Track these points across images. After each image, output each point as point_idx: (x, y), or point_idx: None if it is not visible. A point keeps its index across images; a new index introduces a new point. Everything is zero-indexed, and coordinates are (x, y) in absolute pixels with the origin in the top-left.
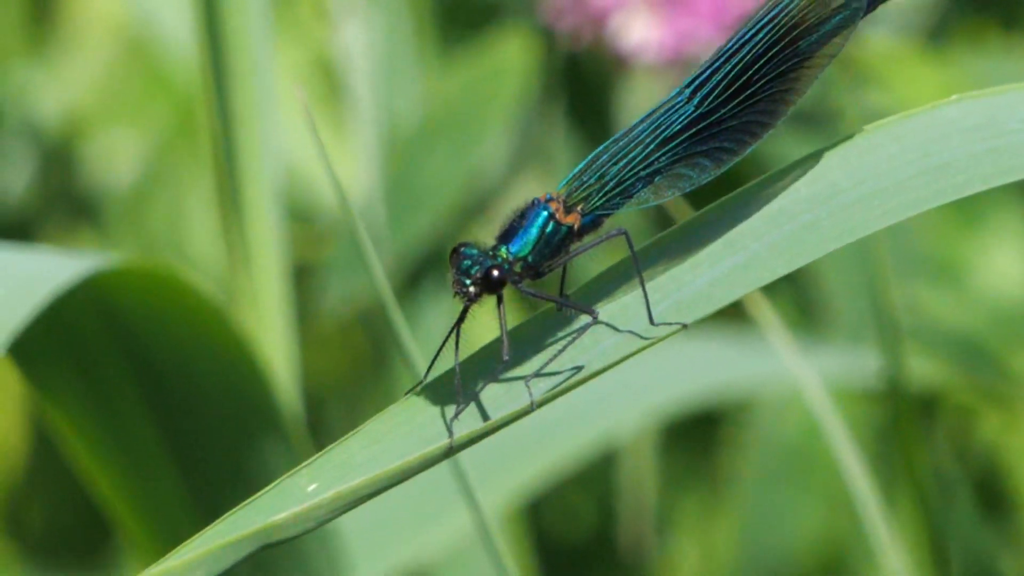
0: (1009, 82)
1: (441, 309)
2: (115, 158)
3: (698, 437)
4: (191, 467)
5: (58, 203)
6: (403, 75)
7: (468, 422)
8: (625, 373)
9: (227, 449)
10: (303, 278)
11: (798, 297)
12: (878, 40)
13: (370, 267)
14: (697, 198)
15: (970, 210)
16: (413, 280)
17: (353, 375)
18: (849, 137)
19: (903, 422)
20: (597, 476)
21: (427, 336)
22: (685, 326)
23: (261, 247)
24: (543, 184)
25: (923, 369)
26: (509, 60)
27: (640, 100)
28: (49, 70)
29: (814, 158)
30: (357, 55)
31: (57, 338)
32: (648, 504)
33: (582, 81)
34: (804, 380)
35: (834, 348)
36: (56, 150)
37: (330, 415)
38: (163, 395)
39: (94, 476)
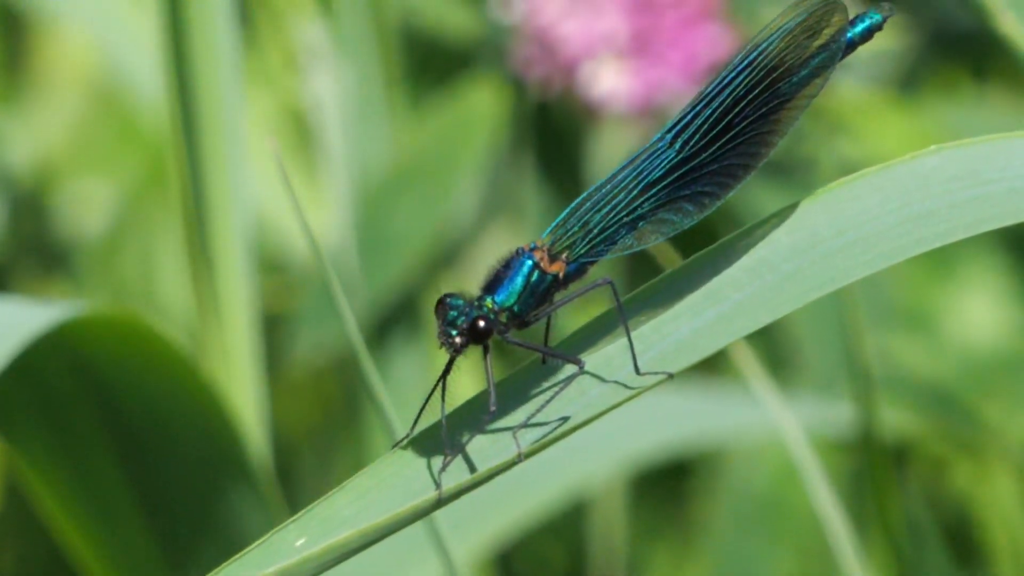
0: (980, 131)
1: (412, 357)
2: (86, 207)
3: (669, 485)
4: (160, 515)
5: (29, 252)
6: (374, 124)
7: (455, 474)
8: (597, 421)
9: (196, 497)
10: (275, 327)
11: (768, 344)
12: (849, 89)
13: (341, 315)
14: (683, 244)
15: (942, 259)
16: (384, 328)
17: (326, 423)
18: (829, 188)
19: (876, 471)
20: (568, 524)
21: (398, 384)
22: (671, 376)
23: (231, 296)
24: (514, 232)
25: (895, 418)
26: (480, 109)
27: (610, 149)
28: (20, 118)
29: (793, 208)
30: (327, 104)
31: (26, 386)
32: (620, 552)
33: (552, 130)
34: (784, 427)
35: (805, 396)
36: (27, 198)
37: (303, 463)
38: (132, 444)
39: (63, 525)
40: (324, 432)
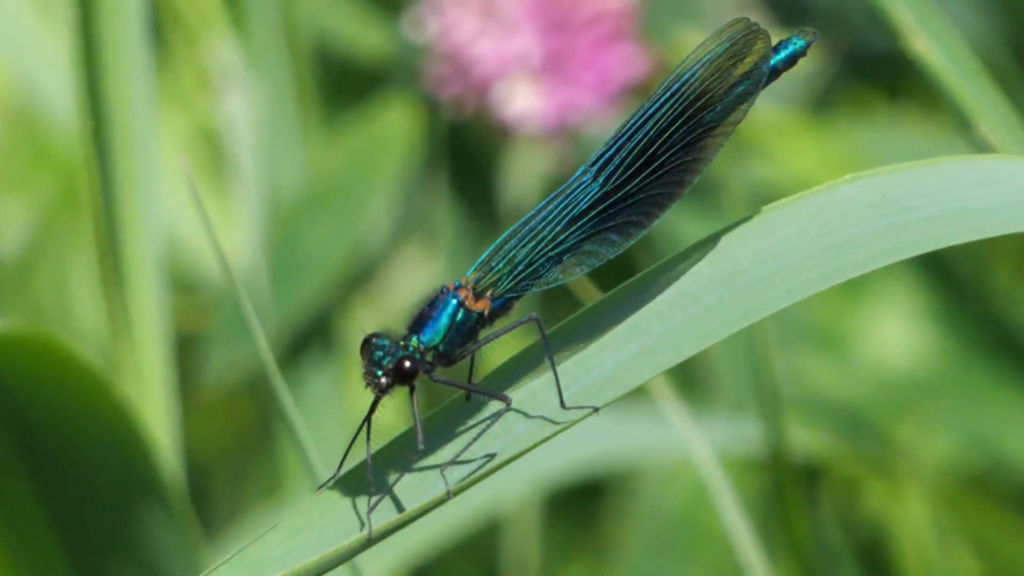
0: (894, 151)
1: (325, 378)
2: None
3: (582, 505)
4: (73, 534)
5: None
6: (287, 144)
7: (384, 513)
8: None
9: (109, 516)
10: (189, 348)
11: (679, 365)
12: (762, 110)
13: (254, 336)
14: (600, 278)
15: (853, 280)
16: (297, 349)
17: (240, 444)
18: (747, 218)
19: (785, 491)
20: (482, 543)
21: (311, 404)
22: (596, 409)
23: (143, 316)
24: (427, 253)
25: (807, 439)
26: (393, 129)
27: (523, 169)
28: None
29: (712, 240)
30: (240, 124)
31: None
32: (533, 572)
33: (466, 150)
34: (695, 448)
35: (717, 417)
36: None
37: (216, 483)
38: (45, 462)
39: None
40: (237, 453)
